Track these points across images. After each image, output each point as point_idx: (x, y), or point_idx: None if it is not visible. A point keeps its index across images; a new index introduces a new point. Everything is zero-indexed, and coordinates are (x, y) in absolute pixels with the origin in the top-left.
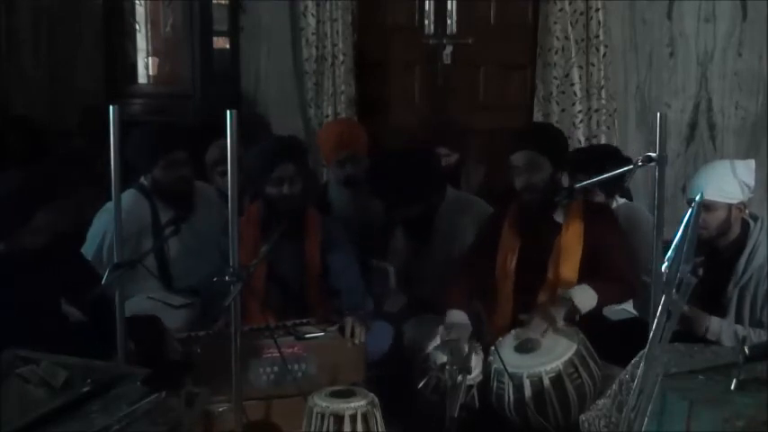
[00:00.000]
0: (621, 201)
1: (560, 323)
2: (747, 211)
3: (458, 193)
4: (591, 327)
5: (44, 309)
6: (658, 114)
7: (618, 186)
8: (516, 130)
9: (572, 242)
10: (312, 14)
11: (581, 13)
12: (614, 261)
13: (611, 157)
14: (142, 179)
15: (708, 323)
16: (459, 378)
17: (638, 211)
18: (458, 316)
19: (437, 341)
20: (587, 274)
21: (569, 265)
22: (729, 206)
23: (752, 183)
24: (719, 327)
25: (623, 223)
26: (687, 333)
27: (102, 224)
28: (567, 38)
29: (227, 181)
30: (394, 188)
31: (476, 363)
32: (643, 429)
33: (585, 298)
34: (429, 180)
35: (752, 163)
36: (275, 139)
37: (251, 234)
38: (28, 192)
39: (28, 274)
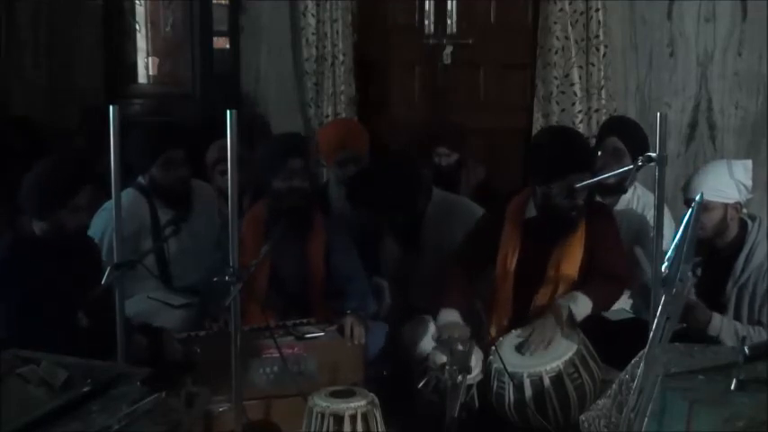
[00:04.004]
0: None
1: (563, 331)
2: (745, 211)
3: (444, 194)
4: (591, 327)
5: (64, 307)
6: (658, 114)
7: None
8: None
9: (574, 241)
10: (312, 14)
11: (581, 13)
12: (605, 259)
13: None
14: (140, 178)
15: (709, 317)
16: (459, 378)
17: (643, 222)
18: (450, 315)
19: (430, 340)
20: (585, 273)
21: (570, 265)
22: (725, 206)
23: (749, 183)
24: (720, 322)
25: (631, 232)
26: (689, 330)
27: (101, 224)
28: (567, 38)
29: (228, 180)
30: (375, 203)
31: (476, 363)
32: (643, 429)
33: (581, 306)
34: (409, 189)
35: (749, 163)
36: (283, 136)
37: (253, 234)
38: (70, 171)
39: (53, 267)
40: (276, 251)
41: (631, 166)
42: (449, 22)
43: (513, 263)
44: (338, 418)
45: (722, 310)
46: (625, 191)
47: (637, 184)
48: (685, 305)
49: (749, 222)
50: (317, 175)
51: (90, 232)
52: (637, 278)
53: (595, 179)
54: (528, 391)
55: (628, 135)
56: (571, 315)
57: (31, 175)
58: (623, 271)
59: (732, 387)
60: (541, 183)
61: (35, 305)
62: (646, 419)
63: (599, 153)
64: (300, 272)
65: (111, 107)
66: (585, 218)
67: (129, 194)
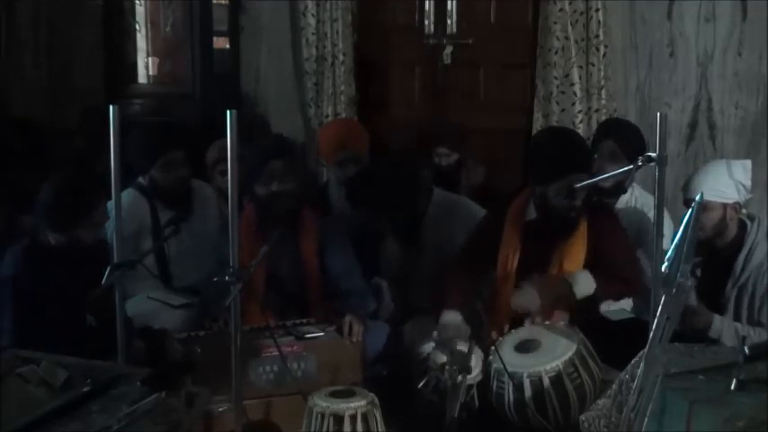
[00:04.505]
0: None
1: (553, 298)
2: (744, 212)
3: (445, 194)
4: (591, 327)
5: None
6: (658, 114)
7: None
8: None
9: (576, 241)
10: (312, 14)
11: (581, 13)
12: (615, 259)
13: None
14: (140, 179)
15: (711, 320)
16: (459, 378)
17: (643, 221)
18: (451, 317)
19: (432, 342)
20: (590, 271)
21: (573, 265)
22: (725, 206)
23: (748, 183)
24: (721, 324)
25: (631, 231)
26: (689, 331)
27: None
28: (567, 38)
29: (228, 180)
30: (375, 203)
31: (476, 363)
32: (643, 429)
33: (583, 283)
34: (409, 189)
35: (748, 164)
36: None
37: (249, 234)
38: (89, 188)
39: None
40: (271, 252)
41: (631, 167)
42: (449, 22)
43: (513, 264)
44: (338, 418)
45: (721, 310)
46: (624, 191)
47: (635, 185)
48: (686, 309)
49: (748, 223)
50: (315, 175)
51: None
52: (643, 281)
53: (595, 179)
54: (528, 391)
55: (624, 138)
56: (570, 289)
57: (49, 190)
58: (628, 273)
59: (732, 387)
60: (541, 183)
61: (46, 310)
62: (646, 419)
63: (595, 156)
64: (296, 272)
65: (111, 107)
66: (588, 218)
67: (129, 195)
